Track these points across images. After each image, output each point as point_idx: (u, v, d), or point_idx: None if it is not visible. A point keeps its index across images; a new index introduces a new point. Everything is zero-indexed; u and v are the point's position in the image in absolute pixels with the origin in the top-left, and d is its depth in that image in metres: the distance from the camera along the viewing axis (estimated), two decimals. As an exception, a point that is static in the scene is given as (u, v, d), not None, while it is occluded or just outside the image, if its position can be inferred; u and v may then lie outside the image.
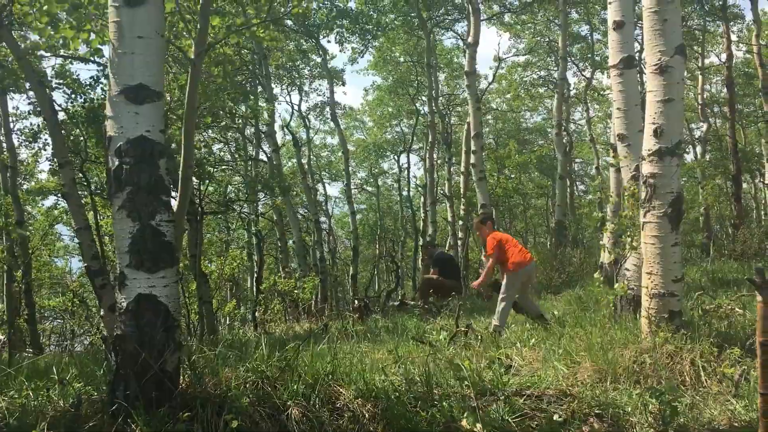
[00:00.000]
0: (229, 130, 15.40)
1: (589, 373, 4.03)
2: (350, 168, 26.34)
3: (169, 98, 9.19)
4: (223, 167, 17.76)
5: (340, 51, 27.93)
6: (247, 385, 3.26)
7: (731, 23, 20.90)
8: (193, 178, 9.20)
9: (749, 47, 20.01)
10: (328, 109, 25.37)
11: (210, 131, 14.78)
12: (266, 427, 3.03)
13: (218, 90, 11.43)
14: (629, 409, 3.22)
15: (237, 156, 20.30)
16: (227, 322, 11.07)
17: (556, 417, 3.23)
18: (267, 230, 25.16)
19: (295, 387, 3.26)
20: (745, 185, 27.37)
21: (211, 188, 14.16)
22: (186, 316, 8.99)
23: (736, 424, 2.88)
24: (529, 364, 4.55)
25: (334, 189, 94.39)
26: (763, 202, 30.52)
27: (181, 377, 3.28)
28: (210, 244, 22.36)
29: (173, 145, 8.99)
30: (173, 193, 5.82)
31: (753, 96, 24.42)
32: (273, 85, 21.86)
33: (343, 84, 40.25)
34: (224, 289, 18.00)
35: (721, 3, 19.07)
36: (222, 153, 19.17)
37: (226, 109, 12.19)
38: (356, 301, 11.62)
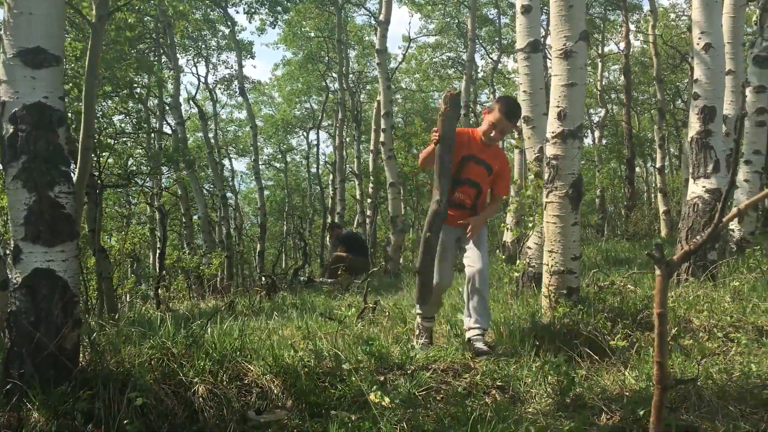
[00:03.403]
0: (130, 100, 14.78)
1: (492, 346, 4.18)
2: (258, 143, 25.89)
3: (66, 65, 8.71)
4: (124, 139, 17.07)
5: (249, 22, 27.15)
6: (152, 363, 3.17)
7: (630, 13, 21.86)
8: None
9: (646, 37, 20.99)
10: (236, 82, 24.76)
11: (110, 101, 14.15)
12: (171, 404, 2.96)
13: (119, 58, 10.93)
14: (529, 380, 3.35)
15: (139, 128, 19.53)
16: (128, 299, 10.70)
17: (459, 389, 3.33)
18: (171, 205, 24.42)
19: (201, 364, 3.20)
20: (638, 169, 28.85)
21: (111, 161, 13.57)
22: (84, 293, 8.61)
23: (627, 393, 3.05)
24: (435, 339, 4.65)
25: (241, 164, 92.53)
26: (654, 185, 32.32)
27: (81, 355, 3.15)
28: (110, 219, 21.51)
29: (70, 115, 8.54)
30: (72, 165, 5.53)
31: (648, 84, 25.68)
32: (178, 56, 21.11)
33: (253, 57, 39.43)
34: (125, 265, 17.37)
35: (620, -7, 19.86)
36: (123, 125, 18.38)
37: (127, 80, 11.66)
38: (263, 278, 11.50)
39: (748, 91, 8.25)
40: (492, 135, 4.29)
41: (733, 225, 8.07)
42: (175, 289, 11.93)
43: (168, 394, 3.00)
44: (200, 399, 3.01)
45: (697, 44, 6.04)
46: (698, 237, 1.34)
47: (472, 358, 3.92)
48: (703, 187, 5.96)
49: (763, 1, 9.38)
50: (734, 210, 1.56)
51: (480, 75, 27.95)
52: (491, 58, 26.83)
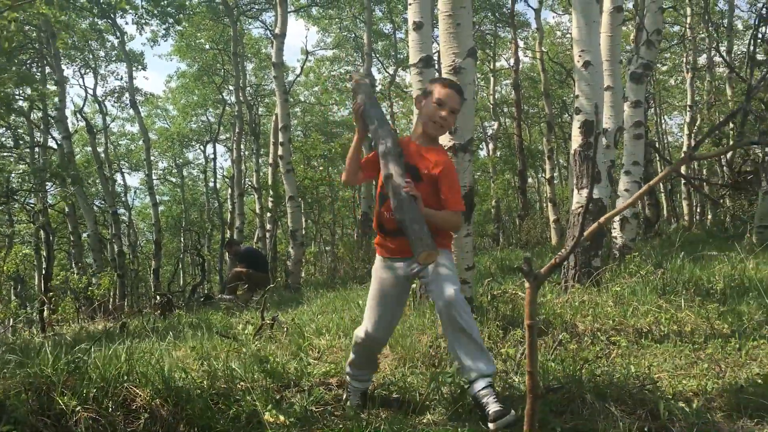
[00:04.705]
0: (12, 114, 13.93)
1: (390, 360, 4.21)
2: (152, 158, 25.08)
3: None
4: (5, 154, 16.10)
5: (139, 33, 26.31)
6: (29, 393, 2.99)
7: (519, 30, 22.78)
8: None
9: (534, 53, 21.94)
10: (127, 94, 23.89)
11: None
12: (51, 436, 2.80)
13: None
14: (424, 390, 3.40)
15: (21, 142, 18.46)
16: (11, 323, 10.02)
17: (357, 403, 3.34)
18: (58, 223, 23.21)
19: (85, 391, 3.04)
20: (530, 180, 30.02)
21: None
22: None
23: (514, 400, 3.14)
24: (334, 353, 4.64)
25: (134, 179, 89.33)
26: (544, 195, 33.70)
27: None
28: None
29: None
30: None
31: (537, 98, 26.80)
32: (64, 67, 20.18)
33: (144, 68, 38.14)
34: (6, 287, 16.35)
35: (509, 11, 20.66)
36: (3, 139, 17.33)
37: (5, 93, 11.00)
38: (158, 297, 11.12)
39: (626, 106, 8.74)
40: (441, 116, 3.33)
41: (616, 232, 8.53)
42: (62, 311, 11.33)
43: (47, 424, 2.84)
44: (83, 428, 2.86)
45: (578, 61, 6.36)
46: (563, 250, 1.42)
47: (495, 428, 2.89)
48: (586, 196, 6.26)
49: (637, 22, 10.02)
50: (595, 225, 1.66)
51: (378, 89, 28.29)
52: (388, 72, 27.22)
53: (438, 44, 5.68)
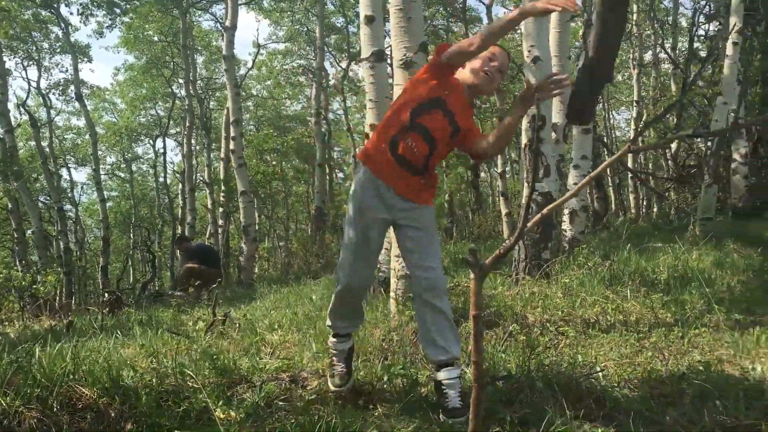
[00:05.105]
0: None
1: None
2: (99, 152, 24.51)
3: None
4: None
5: (84, 24, 25.73)
6: (-32, 395, 2.90)
7: (471, 25, 22.95)
8: None
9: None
10: (72, 87, 23.27)
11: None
12: (-8, 438, 2.73)
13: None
14: (376, 383, 3.41)
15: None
16: (-50, 325, 9.69)
17: (308, 397, 3.33)
18: (1, 219, 22.50)
19: (29, 391, 2.97)
20: (482, 174, 30.33)
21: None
22: None
23: (466, 391, 3.17)
24: (287, 348, 4.62)
25: (81, 174, 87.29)
26: (497, 189, 34.09)
27: None
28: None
29: None
30: None
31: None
32: (5, 58, 19.50)
33: (90, 61, 37.12)
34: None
35: (461, 6, 20.82)
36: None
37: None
38: (106, 294, 10.89)
39: (575, 101, 8.89)
40: (493, 66, 3.20)
41: (565, 225, 8.69)
42: (5, 310, 10.99)
43: (-12, 427, 2.76)
44: (27, 428, 2.79)
45: (527, 57, 6.45)
46: (509, 239, 1.44)
47: (444, 419, 2.92)
48: (536, 191, 6.36)
49: (586, 18, 10.21)
50: (537, 216, 1.69)
51: (331, 82, 28.18)
52: (341, 66, 27.14)
53: (390, 38, 5.68)
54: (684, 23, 22.36)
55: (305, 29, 25.18)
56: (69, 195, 29.56)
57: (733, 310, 4.78)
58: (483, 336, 1.40)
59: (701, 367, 3.37)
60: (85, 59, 23.28)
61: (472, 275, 1.46)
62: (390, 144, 3.07)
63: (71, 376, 3.21)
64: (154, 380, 3.34)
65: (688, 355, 3.80)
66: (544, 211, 1.66)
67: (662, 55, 20.58)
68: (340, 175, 37.97)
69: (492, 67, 3.18)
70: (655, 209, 19.90)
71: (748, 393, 3.05)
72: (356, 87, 29.24)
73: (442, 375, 2.98)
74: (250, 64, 26.39)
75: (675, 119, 14.74)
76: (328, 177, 24.09)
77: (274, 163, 26.85)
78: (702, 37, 15.62)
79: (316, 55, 20.89)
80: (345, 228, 3.18)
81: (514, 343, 3.98)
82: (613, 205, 21.44)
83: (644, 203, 21.22)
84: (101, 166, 25.68)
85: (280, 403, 3.24)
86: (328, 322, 3.39)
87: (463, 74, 3.22)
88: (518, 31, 24.99)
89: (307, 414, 3.01)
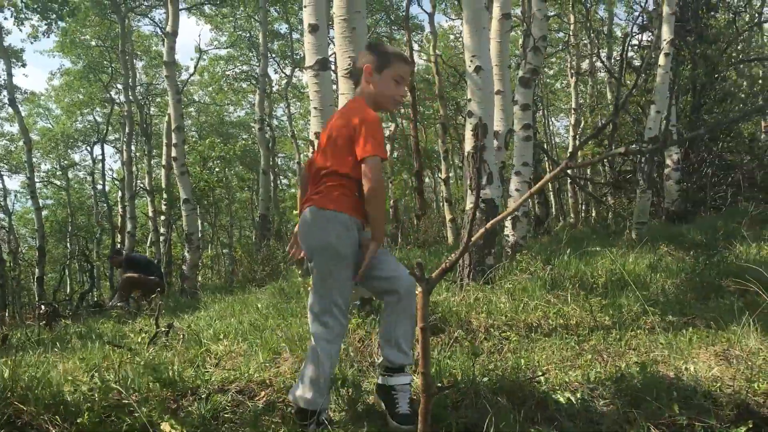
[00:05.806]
0: None
1: (290, 363, 4.20)
2: (34, 159, 23.71)
3: None
4: None
5: (18, 29, 24.69)
6: None
7: (413, 33, 23.20)
8: None
9: (429, 56, 22.40)
10: (5, 92, 22.44)
11: None
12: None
13: None
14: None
15: None
16: None
17: (255, 409, 3.32)
18: (-73, 230, 21.53)
19: (-37, 410, 2.87)
20: (427, 180, 30.63)
21: None
22: None
23: (414, 396, 3.21)
24: (233, 359, 4.58)
25: (14, 182, 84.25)
26: (441, 195, 34.42)
27: None
28: None
29: None
30: None
31: (432, 100, 27.36)
32: (-68, 62, 18.74)
33: (24, 65, 35.87)
34: None
35: (404, 14, 21.01)
36: None
37: None
38: (42, 306, 10.55)
39: (515, 109, 9.08)
40: (402, 94, 3.17)
41: (508, 230, 8.85)
42: (-66, 325, 10.52)
43: None
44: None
45: (470, 66, 6.57)
46: (453, 255, 1.47)
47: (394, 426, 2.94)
48: (473, 199, 6.47)
49: (525, 29, 10.45)
50: (481, 230, 1.75)
51: (275, 89, 28.01)
52: (285, 73, 27.01)
53: (334, 45, 5.71)
54: (619, 33, 23.13)
55: (248, 35, 24.97)
56: (2, 203, 28.53)
57: (668, 312, 4.97)
58: (430, 348, 1.45)
59: (638, 368, 3.49)
60: (19, 63, 22.52)
61: (418, 289, 1.50)
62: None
63: (9, 393, 3.12)
64: (96, 395, 3.27)
65: (625, 356, 3.93)
66: (488, 225, 1.71)
67: (598, 64, 21.22)
68: (284, 181, 37.76)
69: (402, 95, 3.15)
70: (593, 214, 20.46)
71: (681, 392, 3.18)
72: (300, 93, 29.15)
73: (394, 380, 3.00)
74: (191, 70, 26.05)
75: (610, 129, 15.18)
76: (272, 184, 23.91)
77: (217, 170, 26.50)
78: (635, 47, 16.16)
79: (259, 61, 20.72)
80: (324, 274, 2.97)
81: (459, 349, 4.05)
82: (553, 210, 21.94)
83: (583, 208, 21.78)
84: (36, 174, 24.81)
85: (228, 415, 3.22)
86: (310, 398, 2.92)
87: (363, 96, 3.14)
88: (460, 39, 25.37)
89: (256, 426, 3.00)
